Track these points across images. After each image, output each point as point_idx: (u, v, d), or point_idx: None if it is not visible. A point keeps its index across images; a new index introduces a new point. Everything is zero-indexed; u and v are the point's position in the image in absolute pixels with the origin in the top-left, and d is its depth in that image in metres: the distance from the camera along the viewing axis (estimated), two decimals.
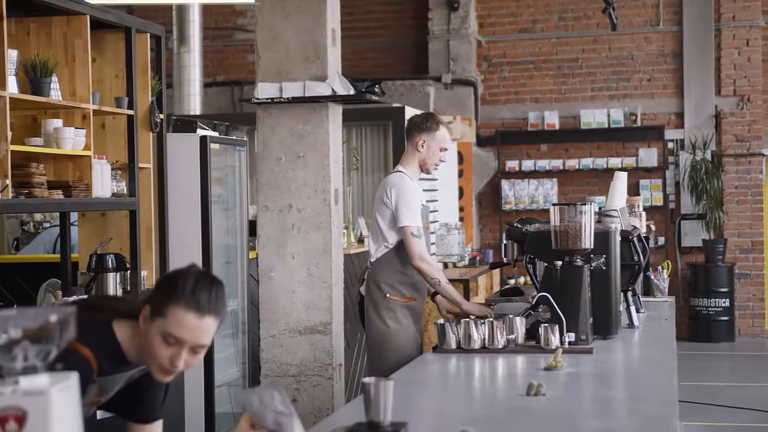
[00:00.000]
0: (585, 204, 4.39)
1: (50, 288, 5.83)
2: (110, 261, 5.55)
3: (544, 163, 12.61)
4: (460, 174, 12.28)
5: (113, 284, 5.58)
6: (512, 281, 12.02)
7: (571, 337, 4.20)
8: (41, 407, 1.75)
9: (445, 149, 5.29)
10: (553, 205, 4.44)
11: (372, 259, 5.24)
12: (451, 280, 9.31)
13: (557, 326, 4.15)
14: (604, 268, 4.47)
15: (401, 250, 5.12)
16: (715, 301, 11.97)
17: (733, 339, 12.06)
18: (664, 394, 3.30)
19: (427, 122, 5.27)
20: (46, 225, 8.61)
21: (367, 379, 2.66)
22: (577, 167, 12.49)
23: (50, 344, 1.82)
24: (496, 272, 11.37)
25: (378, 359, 5.16)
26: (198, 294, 2.47)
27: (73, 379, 1.82)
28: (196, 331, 2.45)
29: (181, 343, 2.46)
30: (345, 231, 7.24)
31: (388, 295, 5.13)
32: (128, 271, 5.68)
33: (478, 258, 11.38)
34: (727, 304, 11.99)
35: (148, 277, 5.94)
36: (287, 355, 5.67)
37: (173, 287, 2.48)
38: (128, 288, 5.72)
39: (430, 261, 5.13)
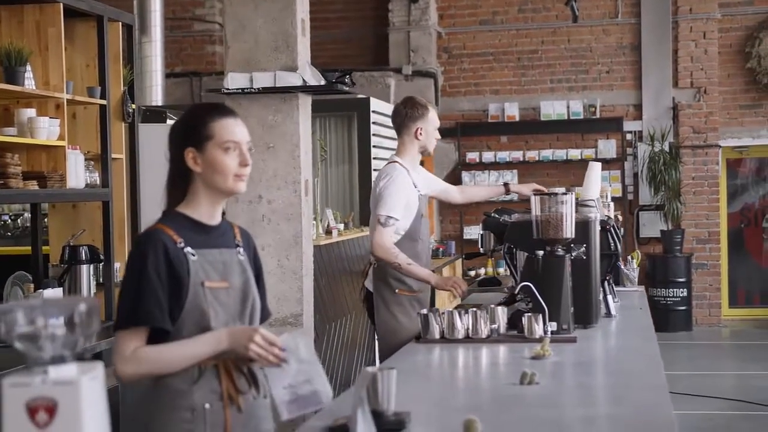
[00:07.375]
0: (566, 194, 4.41)
1: (17, 281, 5.74)
2: (84, 253, 5.47)
3: (504, 155, 12.65)
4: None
5: (86, 276, 5.51)
6: (483, 271, 12.09)
7: (552, 326, 4.22)
8: (71, 397, 1.73)
9: (438, 126, 5.44)
10: (535, 194, 4.45)
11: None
12: None
13: (540, 316, 4.17)
14: (585, 257, 4.48)
15: (405, 243, 5.08)
16: (673, 291, 12.11)
17: (690, 328, 12.21)
18: (654, 382, 3.34)
19: (418, 110, 5.32)
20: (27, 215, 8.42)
21: (370, 368, 2.66)
22: (537, 159, 12.54)
23: (78, 334, 1.80)
24: (458, 263, 11.43)
25: (389, 353, 5.10)
26: (218, 107, 2.91)
27: (99, 369, 1.80)
28: (240, 127, 2.88)
29: (236, 142, 2.84)
30: (314, 222, 7.23)
31: (397, 290, 5.11)
32: (101, 263, 5.62)
33: (441, 249, 11.42)
34: (685, 293, 12.14)
35: (122, 269, 5.88)
36: None
37: (198, 118, 2.86)
38: (101, 280, 5.66)
39: (388, 247, 5.00)
